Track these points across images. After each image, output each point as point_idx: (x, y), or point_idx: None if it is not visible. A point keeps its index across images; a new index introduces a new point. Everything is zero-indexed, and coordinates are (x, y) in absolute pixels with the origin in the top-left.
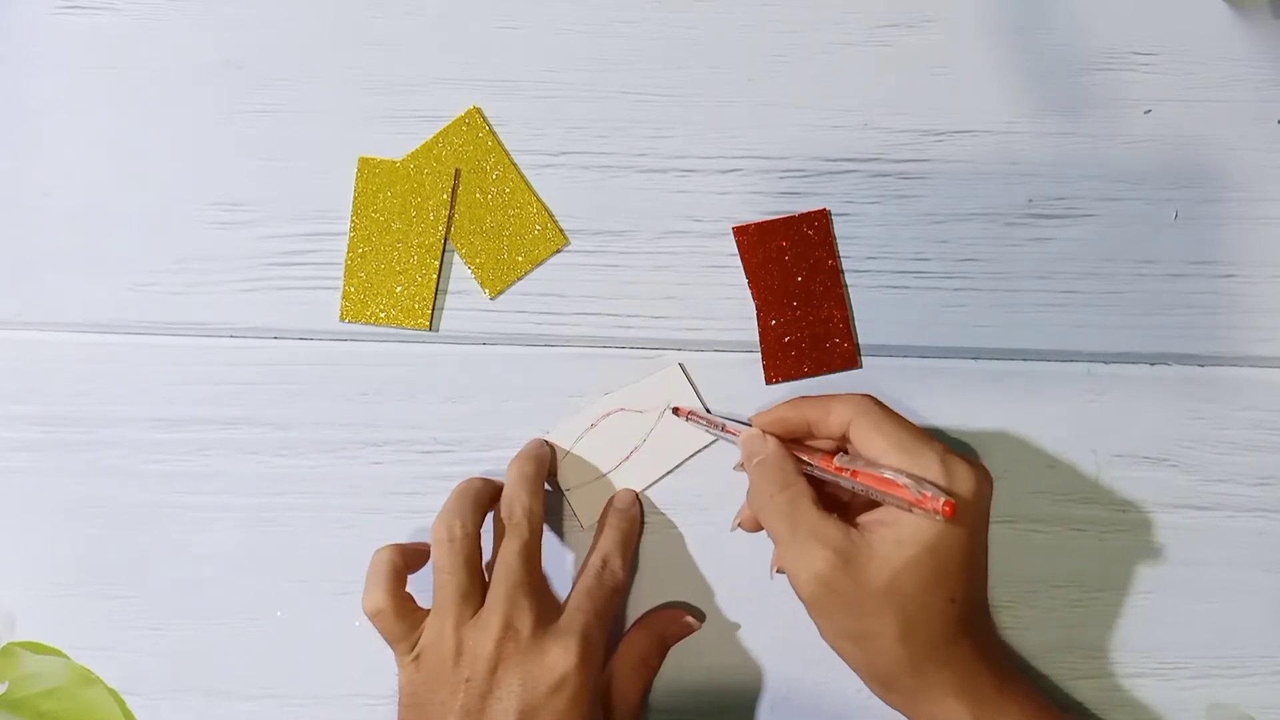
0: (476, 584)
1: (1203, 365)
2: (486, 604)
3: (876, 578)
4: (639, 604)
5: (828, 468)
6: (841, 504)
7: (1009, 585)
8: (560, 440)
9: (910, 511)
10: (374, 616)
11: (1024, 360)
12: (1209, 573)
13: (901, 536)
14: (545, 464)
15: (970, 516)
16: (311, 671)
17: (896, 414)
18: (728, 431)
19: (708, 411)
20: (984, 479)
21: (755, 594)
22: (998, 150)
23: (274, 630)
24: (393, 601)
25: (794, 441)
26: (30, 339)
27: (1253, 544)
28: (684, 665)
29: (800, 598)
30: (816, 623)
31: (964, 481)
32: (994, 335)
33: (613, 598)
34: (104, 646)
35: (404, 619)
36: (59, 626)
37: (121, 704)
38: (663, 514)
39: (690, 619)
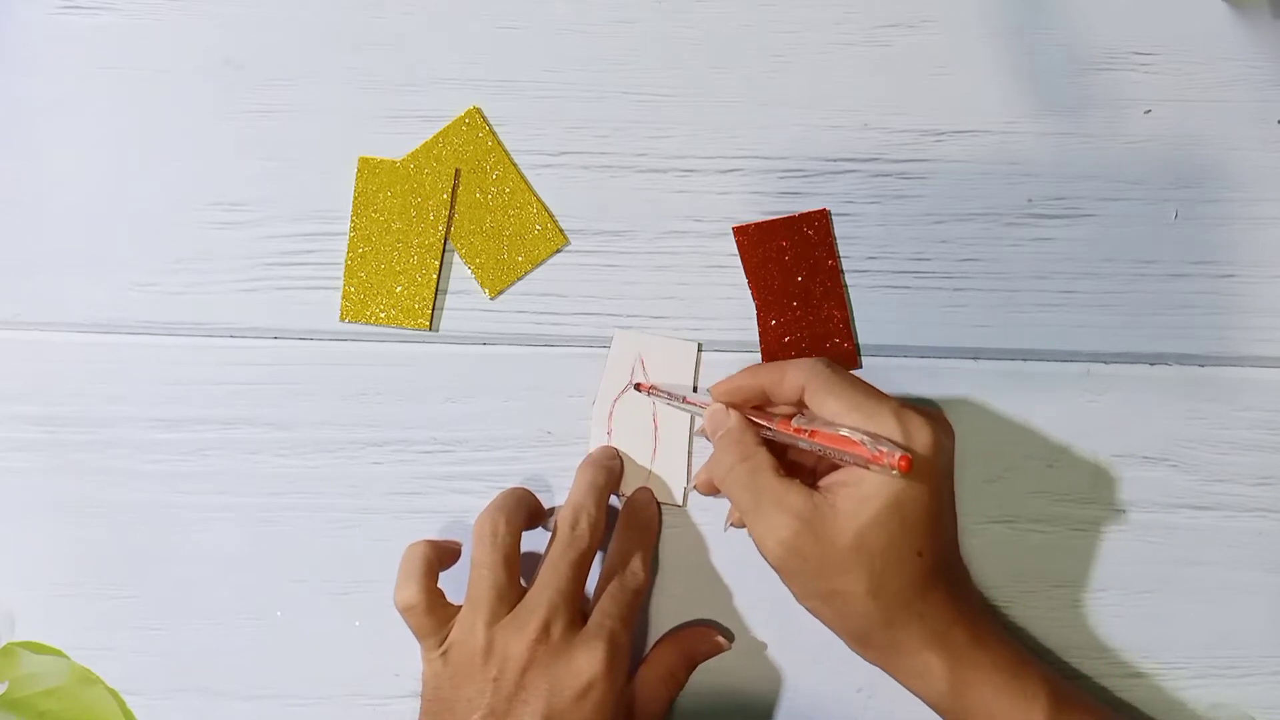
0: (513, 584)
1: (1203, 365)
2: (526, 604)
3: (842, 537)
4: (658, 603)
5: (786, 430)
6: (808, 470)
7: (1009, 585)
8: (595, 438)
9: (868, 469)
10: (406, 611)
11: (1024, 360)
12: (1209, 573)
13: (864, 494)
14: (616, 477)
15: (930, 470)
16: (311, 671)
17: (850, 375)
18: (689, 403)
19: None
20: (943, 431)
21: (758, 592)
22: (998, 150)
23: (274, 630)
24: (425, 596)
25: (755, 408)
26: (30, 339)
27: (1253, 544)
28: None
29: (770, 565)
30: (788, 587)
31: (921, 436)
32: (994, 335)
33: (635, 600)
34: (104, 646)
35: (435, 614)
36: (59, 626)
37: (121, 704)
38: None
39: (720, 638)
